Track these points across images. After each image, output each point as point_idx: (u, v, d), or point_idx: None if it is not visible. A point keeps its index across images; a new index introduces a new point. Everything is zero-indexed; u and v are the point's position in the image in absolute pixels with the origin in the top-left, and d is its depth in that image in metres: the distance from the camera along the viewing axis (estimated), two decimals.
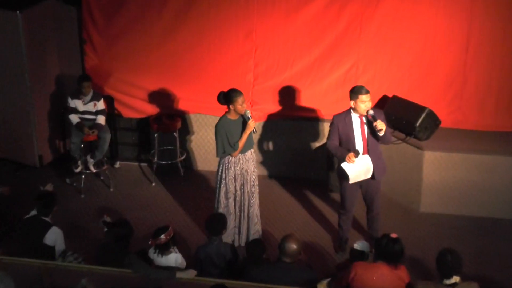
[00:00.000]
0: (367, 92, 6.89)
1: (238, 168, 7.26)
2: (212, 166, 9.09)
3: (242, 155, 7.28)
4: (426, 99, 8.48)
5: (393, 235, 5.81)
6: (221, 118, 7.21)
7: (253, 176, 7.43)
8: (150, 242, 6.30)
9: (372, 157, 7.06)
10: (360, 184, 7.17)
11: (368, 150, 7.04)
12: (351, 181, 7.01)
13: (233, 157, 7.21)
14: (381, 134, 6.85)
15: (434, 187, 8.18)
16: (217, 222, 6.45)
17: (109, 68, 9.17)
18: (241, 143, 7.15)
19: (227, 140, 7.13)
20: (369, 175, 7.04)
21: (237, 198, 7.38)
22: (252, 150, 7.40)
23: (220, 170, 7.32)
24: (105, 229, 6.35)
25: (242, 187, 7.35)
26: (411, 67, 8.64)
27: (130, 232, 6.35)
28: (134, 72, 9.05)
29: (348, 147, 7.05)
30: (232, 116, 7.14)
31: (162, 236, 6.16)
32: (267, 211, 8.20)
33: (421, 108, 8.17)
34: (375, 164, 7.07)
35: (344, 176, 7.02)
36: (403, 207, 8.35)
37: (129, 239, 6.38)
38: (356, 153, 6.93)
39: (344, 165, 6.97)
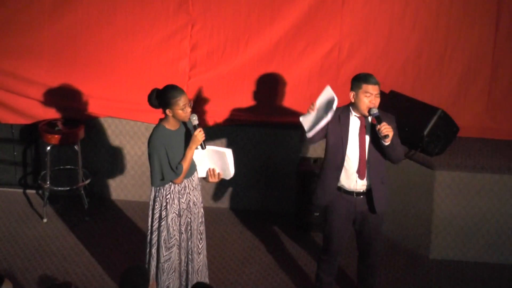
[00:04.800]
0: (376, 83, 6.53)
1: (184, 200, 6.87)
2: (131, 194, 8.73)
3: (188, 180, 6.85)
4: (439, 97, 8.06)
5: None
6: (155, 128, 6.70)
7: (202, 210, 6.98)
8: None
9: (374, 179, 6.64)
10: (354, 218, 6.76)
11: (368, 165, 6.63)
12: (310, 134, 6.63)
13: (176, 185, 6.82)
14: (387, 143, 6.48)
15: (450, 223, 7.75)
16: (134, 279, 5.82)
17: None
18: (186, 164, 6.70)
19: (167, 161, 6.67)
20: (332, 107, 6.54)
21: (183, 244, 6.89)
22: (197, 171, 6.91)
23: (157, 206, 6.83)
24: None
25: (189, 227, 6.92)
26: (418, 51, 8.13)
27: None
28: (16, 57, 8.51)
29: (334, 158, 6.65)
30: (171, 125, 6.68)
31: None
32: (213, 258, 7.72)
33: (431, 110, 7.74)
34: (377, 190, 6.64)
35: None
36: (407, 252, 7.97)
37: None
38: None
39: (302, 118, 6.70)
